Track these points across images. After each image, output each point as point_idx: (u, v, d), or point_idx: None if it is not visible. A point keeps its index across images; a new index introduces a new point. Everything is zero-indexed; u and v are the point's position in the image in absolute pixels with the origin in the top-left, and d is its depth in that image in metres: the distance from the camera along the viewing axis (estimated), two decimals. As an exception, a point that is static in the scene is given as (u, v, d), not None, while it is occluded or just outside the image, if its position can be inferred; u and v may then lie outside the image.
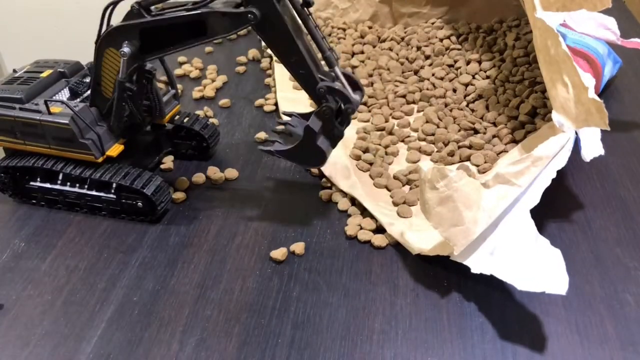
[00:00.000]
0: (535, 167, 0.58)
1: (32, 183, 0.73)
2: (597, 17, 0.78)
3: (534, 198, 0.58)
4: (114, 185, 0.69)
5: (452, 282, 0.59)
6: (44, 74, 0.72)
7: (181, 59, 1.08)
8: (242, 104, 0.93)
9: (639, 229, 0.63)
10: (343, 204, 0.70)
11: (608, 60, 0.81)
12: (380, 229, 0.66)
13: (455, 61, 0.92)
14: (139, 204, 0.69)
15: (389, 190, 0.72)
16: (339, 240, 0.66)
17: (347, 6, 1.10)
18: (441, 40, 0.97)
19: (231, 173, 0.77)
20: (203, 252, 0.66)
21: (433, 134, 0.79)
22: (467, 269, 0.60)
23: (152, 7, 0.61)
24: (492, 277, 0.59)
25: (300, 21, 0.60)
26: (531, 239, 0.56)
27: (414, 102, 0.87)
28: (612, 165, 0.73)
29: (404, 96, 0.88)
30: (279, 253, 0.64)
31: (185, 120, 0.79)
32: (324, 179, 0.75)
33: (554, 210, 0.67)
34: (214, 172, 0.78)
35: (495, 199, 0.58)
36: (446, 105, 0.85)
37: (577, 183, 0.70)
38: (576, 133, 0.62)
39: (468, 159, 0.75)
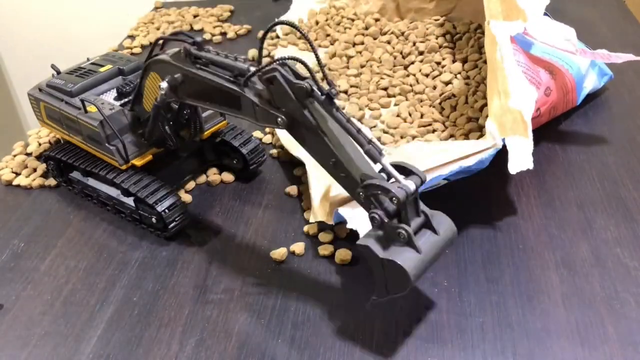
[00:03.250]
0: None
1: (72, 175, 0.76)
2: (557, 28, 0.78)
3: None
4: (132, 195, 0.68)
5: (452, 282, 0.59)
6: (103, 69, 0.73)
7: (181, 59, 1.08)
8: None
9: (639, 229, 0.63)
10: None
11: (590, 72, 0.81)
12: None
13: (444, 59, 0.92)
14: (153, 219, 0.67)
15: None
16: (338, 240, 0.66)
17: None
18: (437, 37, 0.97)
19: (227, 177, 0.77)
20: (203, 252, 0.66)
21: (396, 128, 0.80)
22: (466, 268, 0.60)
23: (203, 57, 0.57)
24: (491, 277, 0.59)
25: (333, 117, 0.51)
26: None
27: (394, 96, 0.88)
28: (612, 165, 0.73)
29: (385, 89, 0.89)
30: (279, 253, 0.64)
31: (226, 134, 0.75)
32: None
33: (554, 210, 0.67)
34: (213, 172, 0.78)
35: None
36: (421, 101, 0.85)
37: (577, 183, 0.70)
38: (504, 146, 0.62)
39: None
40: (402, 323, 0.56)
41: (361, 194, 0.50)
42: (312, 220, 0.65)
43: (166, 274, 0.64)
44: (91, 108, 0.67)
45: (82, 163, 0.72)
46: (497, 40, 0.67)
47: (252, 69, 0.54)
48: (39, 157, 0.84)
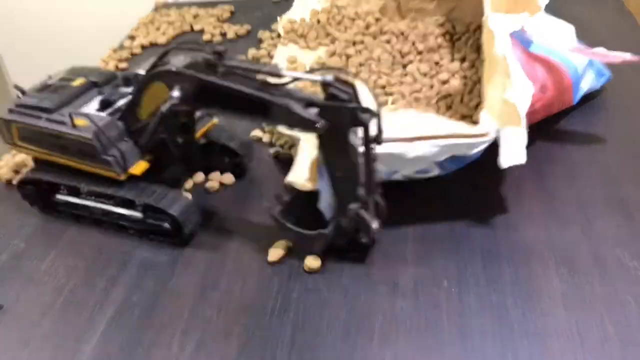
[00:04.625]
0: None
1: (58, 197, 0.71)
2: (556, 25, 0.78)
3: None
4: (140, 204, 0.66)
5: (452, 282, 0.59)
6: (76, 83, 0.70)
7: (181, 59, 1.08)
8: (242, 104, 0.93)
9: (639, 229, 0.63)
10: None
11: (588, 71, 0.81)
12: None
13: (442, 58, 0.92)
14: (166, 225, 0.66)
15: None
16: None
17: None
18: (436, 37, 0.97)
19: (229, 178, 0.77)
20: (203, 252, 0.66)
21: None
22: (466, 268, 0.59)
23: (220, 66, 0.57)
24: (491, 277, 0.59)
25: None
26: None
27: (391, 94, 0.88)
28: (612, 165, 0.73)
29: (383, 87, 0.89)
30: (279, 253, 0.64)
31: (215, 134, 0.75)
32: None
33: (554, 210, 0.67)
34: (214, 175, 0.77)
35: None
36: (417, 100, 0.85)
37: (577, 183, 0.70)
38: (496, 140, 0.62)
39: None
40: (402, 323, 0.56)
41: (352, 212, 0.58)
42: (290, 180, 0.64)
43: (166, 274, 0.64)
44: (79, 122, 0.65)
45: (73, 181, 0.68)
46: (496, 35, 0.67)
47: (290, 74, 0.55)
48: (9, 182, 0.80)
